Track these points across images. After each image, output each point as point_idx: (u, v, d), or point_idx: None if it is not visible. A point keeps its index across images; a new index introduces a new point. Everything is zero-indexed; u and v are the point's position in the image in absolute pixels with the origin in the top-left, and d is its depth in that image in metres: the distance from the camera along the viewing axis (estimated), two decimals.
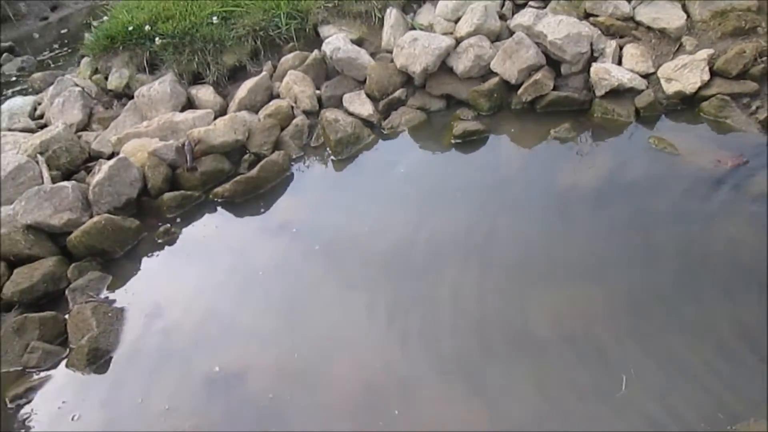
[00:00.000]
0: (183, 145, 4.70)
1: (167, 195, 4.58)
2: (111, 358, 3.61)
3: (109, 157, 4.98)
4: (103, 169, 4.56)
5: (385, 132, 4.96)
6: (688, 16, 4.85)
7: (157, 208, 4.60)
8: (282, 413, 3.15)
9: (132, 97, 5.56)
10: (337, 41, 5.23)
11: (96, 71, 6.04)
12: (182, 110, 5.32)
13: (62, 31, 7.87)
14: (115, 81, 5.76)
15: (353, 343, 3.45)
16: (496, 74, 4.92)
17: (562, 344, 3.19)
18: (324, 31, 5.57)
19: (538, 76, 4.75)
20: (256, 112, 5.20)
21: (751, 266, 3.39)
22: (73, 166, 5.00)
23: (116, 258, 4.31)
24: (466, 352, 3.26)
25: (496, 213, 4.05)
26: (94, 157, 5.16)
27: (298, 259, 4.03)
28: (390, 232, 4.07)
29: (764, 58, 4.44)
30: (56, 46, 7.71)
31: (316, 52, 5.41)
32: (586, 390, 2.98)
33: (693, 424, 2.77)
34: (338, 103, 5.19)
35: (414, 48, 5.00)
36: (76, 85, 5.78)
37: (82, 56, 6.36)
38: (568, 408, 2.93)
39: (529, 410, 2.95)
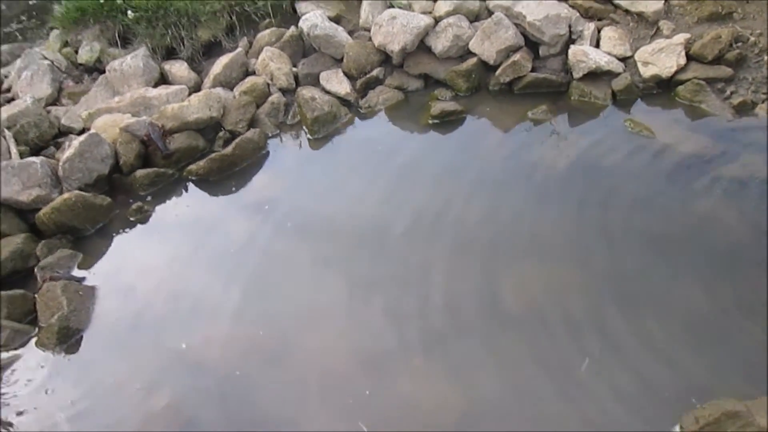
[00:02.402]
0: (149, 134, 4.52)
1: (140, 172, 4.49)
2: (82, 337, 3.56)
3: (80, 133, 4.85)
4: (73, 144, 4.46)
5: (362, 111, 4.92)
6: (666, 0, 4.87)
7: (130, 186, 4.51)
8: (249, 390, 3.15)
9: (103, 72, 5.42)
10: (314, 18, 5.15)
11: (66, 44, 5.86)
12: (155, 86, 5.20)
13: (30, 2, 7.62)
14: (85, 55, 5.61)
15: (323, 320, 3.45)
16: (474, 54, 4.90)
17: (533, 321, 3.25)
18: (301, 7, 5.47)
19: (516, 57, 4.74)
20: (232, 89, 5.11)
21: (722, 246, 3.48)
22: (42, 141, 4.86)
23: (87, 235, 4.23)
24: (438, 329, 3.29)
25: (471, 192, 4.06)
26: (64, 132, 5.02)
27: (270, 237, 4.00)
28: (364, 211, 4.06)
29: (739, 44, 4.49)
30: (24, 17, 7.47)
31: (293, 28, 5.32)
32: (551, 367, 3.04)
33: (643, 408, 2.84)
34: (315, 81, 5.12)
35: (392, 26, 4.94)
36: (45, 58, 5.60)
37: (52, 29, 6.17)
38: (530, 384, 3.00)
39: (494, 387, 3.01)
